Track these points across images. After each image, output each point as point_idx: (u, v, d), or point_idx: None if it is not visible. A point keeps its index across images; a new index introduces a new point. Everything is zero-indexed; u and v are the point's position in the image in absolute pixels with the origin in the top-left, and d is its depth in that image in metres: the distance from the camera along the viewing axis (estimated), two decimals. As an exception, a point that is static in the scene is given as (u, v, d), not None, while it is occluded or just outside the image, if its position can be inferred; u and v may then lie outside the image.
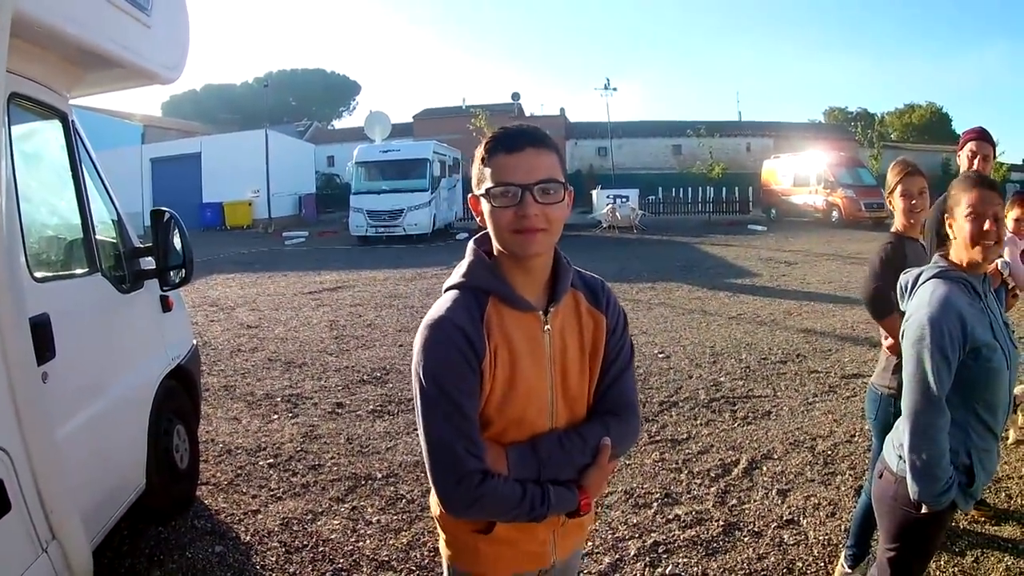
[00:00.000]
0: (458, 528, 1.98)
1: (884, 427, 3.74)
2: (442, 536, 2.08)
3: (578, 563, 2.36)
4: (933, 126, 73.18)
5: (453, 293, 1.89)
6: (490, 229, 1.85)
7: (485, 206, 1.82)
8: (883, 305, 3.69)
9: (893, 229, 3.88)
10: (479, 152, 1.84)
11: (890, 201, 3.85)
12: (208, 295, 14.99)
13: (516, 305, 1.87)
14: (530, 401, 1.89)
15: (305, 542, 4.60)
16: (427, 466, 1.83)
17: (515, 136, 1.80)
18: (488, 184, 1.79)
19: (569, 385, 1.96)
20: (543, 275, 1.92)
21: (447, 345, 1.77)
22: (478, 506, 1.79)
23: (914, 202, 3.75)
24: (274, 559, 4.44)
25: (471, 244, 1.97)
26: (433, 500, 1.99)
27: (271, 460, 5.96)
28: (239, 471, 5.77)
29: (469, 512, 1.84)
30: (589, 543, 4.50)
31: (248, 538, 4.69)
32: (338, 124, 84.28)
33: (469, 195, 1.91)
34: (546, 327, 1.91)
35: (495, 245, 1.87)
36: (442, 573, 2.14)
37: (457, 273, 1.93)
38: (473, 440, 1.79)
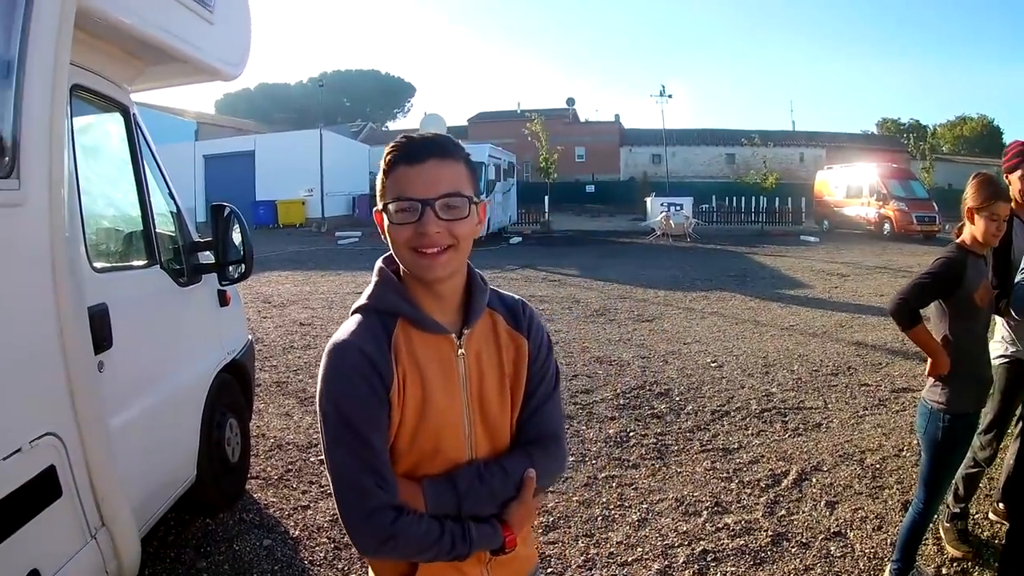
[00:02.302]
0: (382, 568, 1.81)
1: (933, 441, 3.69)
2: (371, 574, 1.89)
3: None
4: (984, 139, 71.89)
5: (358, 316, 1.73)
6: (391, 247, 1.69)
7: (387, 222, 1.65)
8: (905, 317, 3.64)
9: (960, 241, 3.75)
10: (381, 162, 1.68)
11: (970, 216, 3.67)
12: (261, 292, 15.15)
13: (426, 327, 1.71)
14: (444, 431, 1.71)
15: (355, 539, 4.58)
16: (336, 501, 1.67)
17: (417, 146, 1.64)
18: (388, 198, 1.63)
19: (488, 413, 1.78)
20: (455, 295, 1.76)
21: (351, 372, 1.61)
22: (390, 545, 1.61)
23: (998, 225, 3.63)
24: (323, 555, 4.44)
25: (379, 263, 1.79)
26: None
27: (322, 456, 5.94)
28: (289, 466, 5.80)
29: (381, 551, 1.65)
30: (639, 549, 4.48)
31: (297, 533, 4.70)
32: (392, 126, 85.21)
33: (374, 209, 1.72)
34: (460, 351, 1.74)
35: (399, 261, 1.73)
36: None
37: (364, 294, 1.76)
38: (382, 475, 1.62)
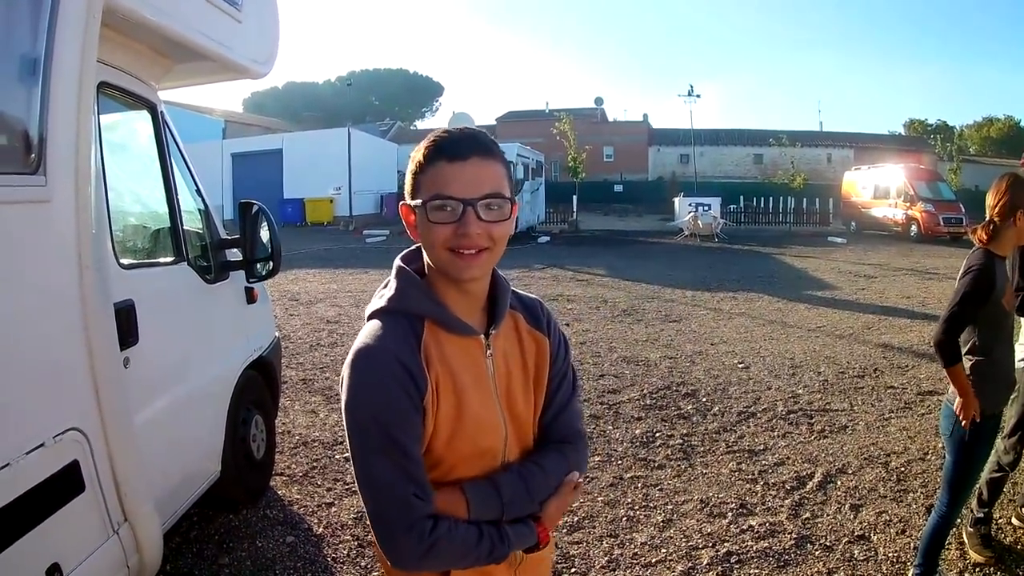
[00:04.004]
0: None
1: (958, 443, 3.64)
2: None
3: None
4: (1011, 139, 70.87)
5: (383, 319, 1.65)
6: (424, 243, 1.63)
7: (420, 219, 1.59)
8: (950, 352, 3.57)
9: (985, 246, 3.66)
10: (417, 155, 1.60)
11: (1002, 215, 3.59)
12: (288, 289, 15.24)
13: (456, 329, 1.66)
14: (481, 433, 1.68)
15: (378, 537, 4.58)
16: (369, 517, 1.60)
17: (459, 142, 1.57)
18: (425, 196, 1.56)
19: (516, 413, 1.76)
20: (481, 296, 1.72)
21: (386, 379, 1.55)
22: (432, 555, 1.56)
23: None
24: (346, 552, 4.44)
25: (397, 262, 1.73)
26: (382, 557, 1.68)
27: (348, 454, 5.95)
28: (314, 464, 5.82)
29: (423, 564, 1.58)
30: (663, 550, 4.46)
31: (320, 530, 4.71)
32: (421, 125, 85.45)
33: (400, 203, 1.67)
34: (489, 351, 1.71)
35: (427, 263, 1.67)
36: None
37: (384, 296, 1.69)
38: (421, 485, 1.57)
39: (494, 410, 1.71)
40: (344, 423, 1.60)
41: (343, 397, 1.59)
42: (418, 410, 1.58)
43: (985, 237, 3.63)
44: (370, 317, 1.69)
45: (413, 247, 1.75)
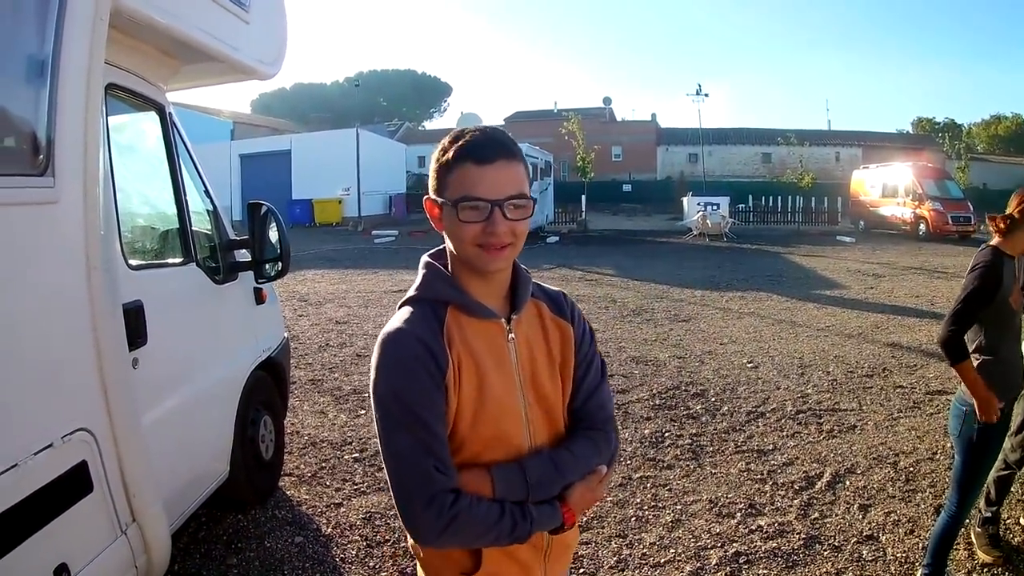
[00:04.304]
0: (442, 567, 1.81)
1: (967, 443, 3.62)
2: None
3: None
4: (1019, 137, 70.60)
5: (409, 307, 1.76)
6: (450, 239, 1.73)
7: (447, 216, 1.70)
8: (956, 349, 3.57)
9: (994, 243, 3.66)
10: (443, 155, 1.70)
11: (1022, 213, 3.59)
12: (297, 290, 15.27)
13: (477, 313, 1.75)
14: (503, 416, 1.75)
15: (387, 537, 4.60)
16: (393, 492, 1.67)
17: (485, 146, 1.67)
18: (455, 196, 1.66)
19: (544, 398, 1.82)
20: (503, 285, 1.82)
21: (408, 359, 1.64)
22: (452, 530, 1.61)
23: None
24: (354, 552, 4.45)
25: (425, 258, 1.83)
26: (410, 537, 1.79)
27: (356, 454, 6.00)
28: (323, 464, 5.83)
29: (443, 538, 1.64)
30: (671, 550, 4.46)
31: (329, 530, 4.71)
32: (429, 125, 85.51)
33: (425, 197, 1.77)
34: (510, 335, 1.79)
35: (452, 254, 1.77)
36: None
37: (412, 288, 1.80)
38: (443, 459, 1.64)
39: (515, 395, 1.77)
40: (371, 404, 1.70)
41: (370, 378, 1.70)
42: (440, 388, 1.65)
43: (1003, 226, 3.63)
44: (399, 307, 1.79)
45: (438, 247, 1.84)
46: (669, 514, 4.92)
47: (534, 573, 1.85)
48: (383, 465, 1.70)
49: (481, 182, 1.64)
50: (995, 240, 3.68)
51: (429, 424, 1.63)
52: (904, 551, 4.43)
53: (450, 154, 1.68)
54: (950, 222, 29.07)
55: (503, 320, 1.79)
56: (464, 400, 1.70)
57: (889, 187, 32.46)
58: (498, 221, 1.64)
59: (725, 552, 4.43)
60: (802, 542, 4.54)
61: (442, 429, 1.66)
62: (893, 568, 4.25)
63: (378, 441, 1.69)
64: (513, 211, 1.67)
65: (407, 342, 1.66)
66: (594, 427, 1.87)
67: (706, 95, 58.67)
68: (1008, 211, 3.65)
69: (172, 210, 4.11)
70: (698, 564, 4.30)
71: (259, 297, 5.01)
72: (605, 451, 1.85)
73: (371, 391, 1.70)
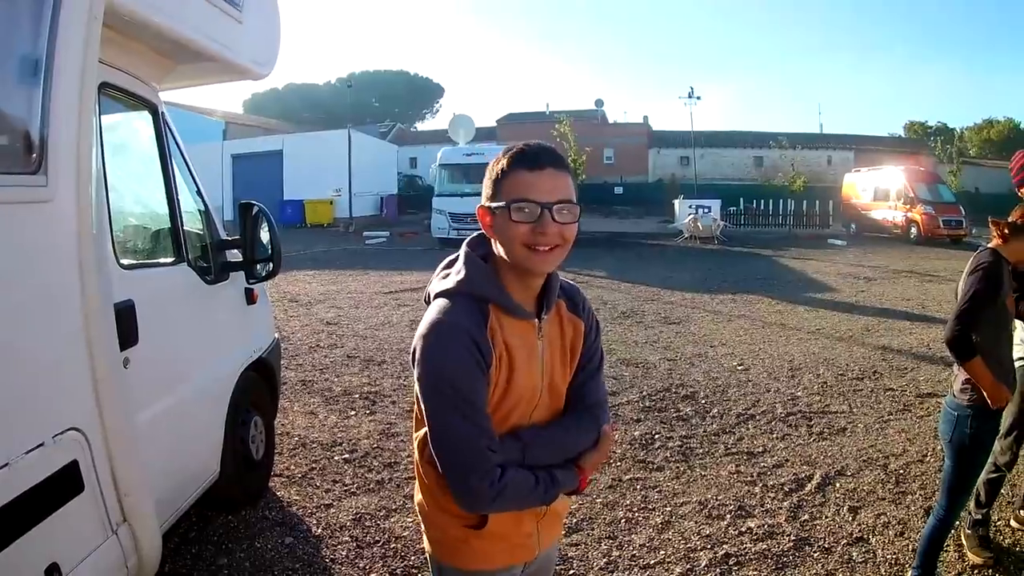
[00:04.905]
0: (448, 523, 2.02)
1: (959, 444, 3.66)
2: (427, 532, 2.13)
3: (555, 556, 2.47)
4: (1011, 141, 70.76)
5: (454, 299, 1.91)
6: (501, 240, 1.88)
7: (499, 219, 1.85)
8: (964, 347, 3.60)
9: (994, 246, 3.71)
10: (497, 165, 1.87)
11: None
12: (288, 291, 15.22)
13: (516, 314, 1.93)
14: (521, 402, 1.96)
15: (377, 538, 4.61)
16: (446, 467, 1.87)
17: (537, 155, 1.85)
18: (508, 198, 1.82)
19: (555, 385, 2.05)
20: (539, 286, 1.99)
21: (463, 350, 1.81)
22: (501, 499, 1.85)
23: None
24: (344, 553, 4.45)
25: (465, 248, 2.00)
26: (419, 495, 2.11)
27: (346, 455, 5.99)
28: (313, 465, 5.82)
29: (493, 506, 1.88)
30: (661, 552, 4.48)
31: (319, 531, 4.71)
32: (421, 126, 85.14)
33: (478, 205, 1.93)
34: (540, 333, 1.99)
35: (498, 253, 1.91)
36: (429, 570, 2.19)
37: (454, 278, 1.94)
38: (493, 437, 1.86)
39: (537, 383, 1.98)
40: (419, 389, 1.87)
41: (420, 366, 1.84)
42: (485, 377, 1.85)
43: (1006, 231, 3.70)
44: (437, 296, 1.94)
45: (477, 233, 2.01)
46: (659, 516, 4.94)
47: (531, 535, 2.09)
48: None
49: (532, 187, 1.81)
50: (994, 243, 3.72)
51: (480, 409, 1.84)
52: (894, 553, 4.45)
53: (504, 163, 1.86)
54: (942, 226, 29.22)
55: (536, 319, 1.97)
56: (494, 392, 1.89)
57: (881, 190, 32.58)
58: (548, 223, 1.80)
59: (715, 554, 4.45)
60: (792, 544, 4.56)
61: (487, 412, 1.86)
62: (883, 570, 4.28)
63: (426, 420, 1.87)
64: (561, 214, 1.82)
65: (457, 333, 1.82)
66: (592, 406, 2.09)
67: (698, 98, 58.52)
68: (1012, 218, 3.70)
69: (164, 210, 4.10)
70: (688, 566, 4.32)
71: (250, 297, 5.00)
72: (604, 421, 2.09)
73: (421, 377, 1.85)
